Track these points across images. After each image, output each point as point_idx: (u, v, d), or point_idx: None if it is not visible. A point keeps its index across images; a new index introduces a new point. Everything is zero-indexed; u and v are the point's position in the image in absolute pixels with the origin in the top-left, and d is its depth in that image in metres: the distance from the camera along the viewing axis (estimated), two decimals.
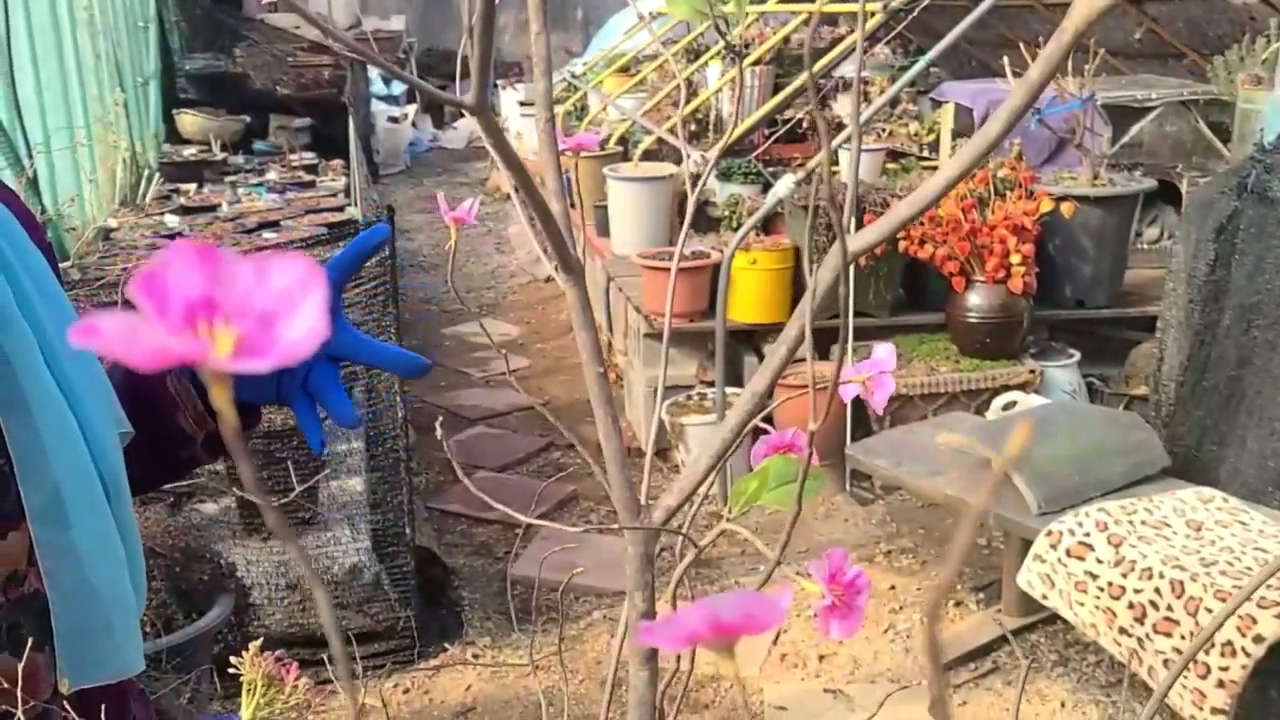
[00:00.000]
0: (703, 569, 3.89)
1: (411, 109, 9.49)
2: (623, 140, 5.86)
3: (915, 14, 2.50)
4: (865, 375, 0.90)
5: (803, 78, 5.55)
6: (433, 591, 3.84)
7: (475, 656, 3.67)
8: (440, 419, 0.87)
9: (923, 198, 0.60)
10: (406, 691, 3.49)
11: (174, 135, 6.69)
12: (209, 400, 1.17)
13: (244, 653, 1.08)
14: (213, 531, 3.52)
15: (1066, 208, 4.02)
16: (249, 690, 1.10)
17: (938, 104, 5.29)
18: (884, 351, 0.92)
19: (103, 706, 0.98)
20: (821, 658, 3.49)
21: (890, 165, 5.31)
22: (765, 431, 0.93)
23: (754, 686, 3.36)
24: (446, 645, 3.69)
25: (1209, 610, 2.72)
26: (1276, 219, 2.96)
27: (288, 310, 0.28)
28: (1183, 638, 2.75)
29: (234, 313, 0.28)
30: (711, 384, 4.38)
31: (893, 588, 3.78)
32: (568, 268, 0.75)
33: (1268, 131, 3.51)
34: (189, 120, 6.68)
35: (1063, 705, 3.19)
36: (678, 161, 5.25)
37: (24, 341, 0.96)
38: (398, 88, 9.13)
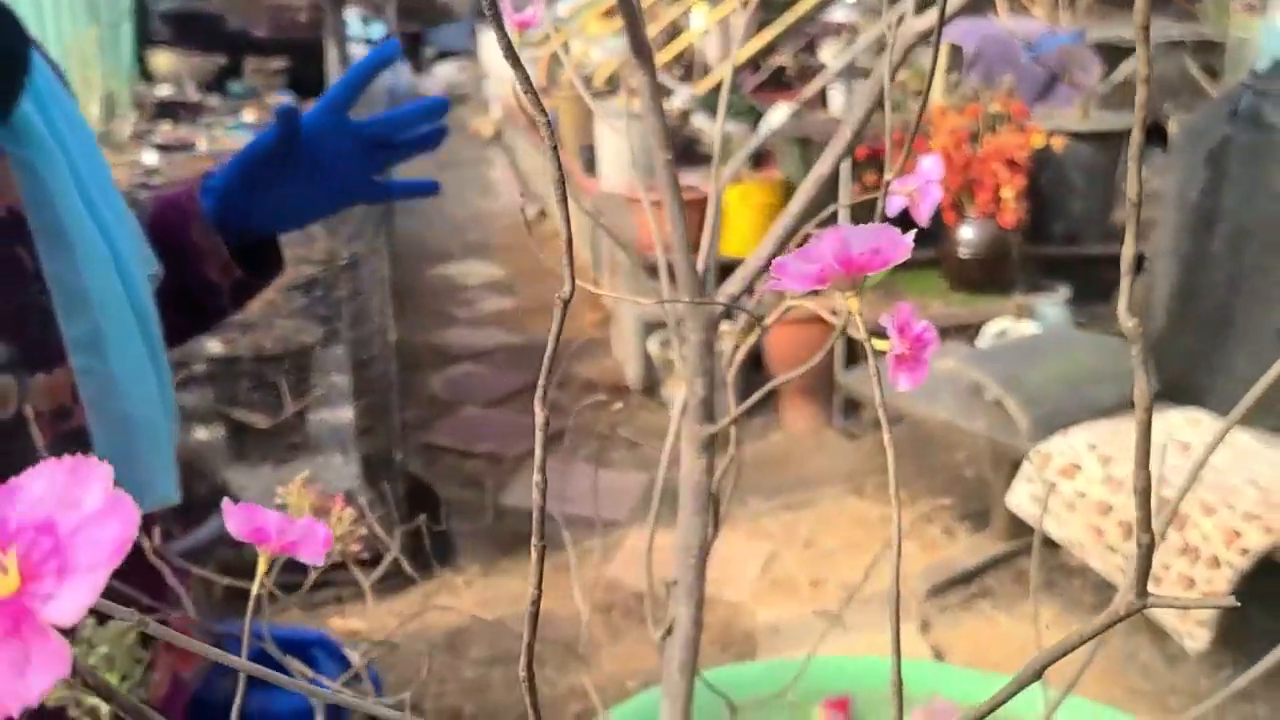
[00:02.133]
0: None
1: None
2: (609, 80, 5.84)
3: None
4: (912, 188, 0.92)
5: (783, 22, 5.54)
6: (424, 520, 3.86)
7: (466, 584, 3.69)
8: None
9: None
10: (399, 615, 3.50)
11: (147, 75, 6.62)
12: (234, 249, 1.17)
13: (291, 482, 1.09)
14: (203, 459, 3.52)
15: (1057, 142, 4.04)
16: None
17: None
18: (930, 162, 0.93)
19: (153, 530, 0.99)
20: (813, 583, 3.52)
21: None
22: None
23: (747, 610, 3.40)
24: (437, 574, 3.71)
25: (1196, 526, 2.76)
26: (1268, 144, 2.99)
27: None
28: (1169, 553, 2.79)
29: None
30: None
31: (882, 518, 3.81)
32: (639, 51, 0.75)
33: (1261, 57, 3.53)
34: (162, 60, 6.60)
35: (1048, 626, 3.23)
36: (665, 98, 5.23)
37: (59, 168, 0.96)
38: (376, 32, 9.07)
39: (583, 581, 3.62)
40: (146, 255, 1.08)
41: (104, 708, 0.68)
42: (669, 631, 0.83)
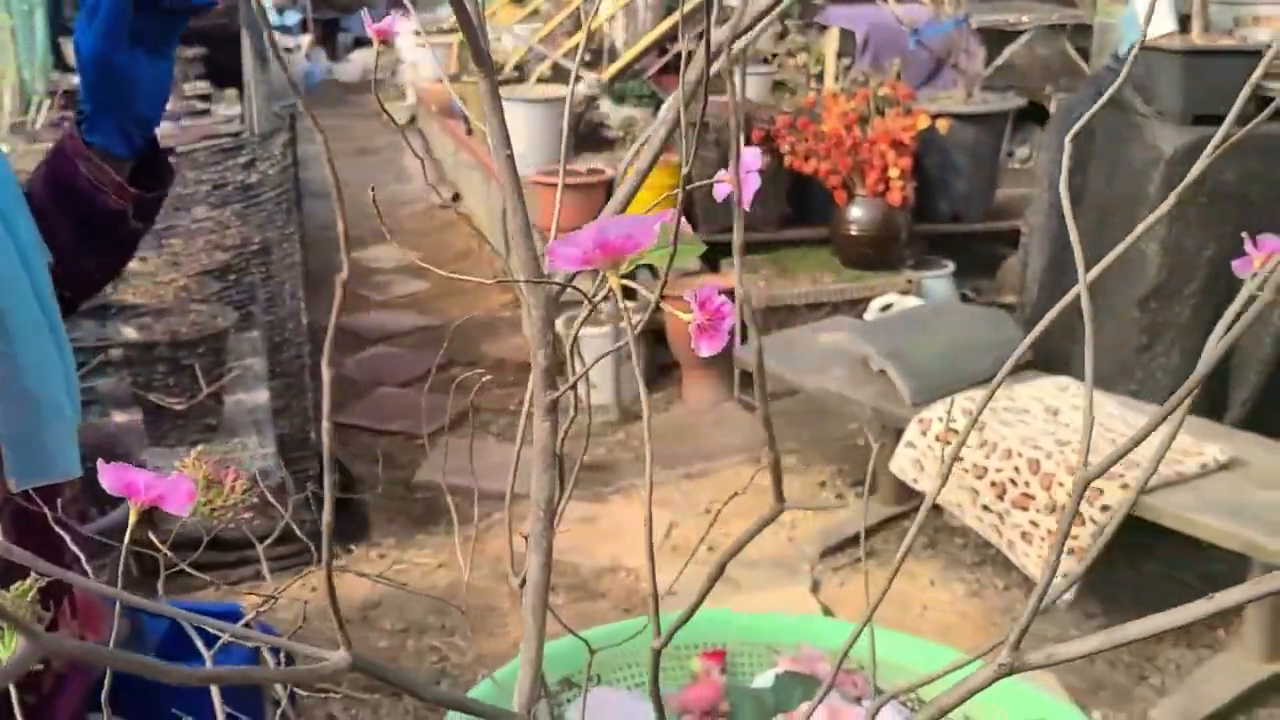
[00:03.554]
0: (599, 472, 4.07)
1: (306, 39, 9.44)
2: (519, 66, 5.95)
3: None
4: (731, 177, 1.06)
5: (686, 6, 5.68)
6: (337, 497, 3.96)
7: (381, 556, 3.80)
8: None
9: None
10: (314, 590, 3.60)
11: (62, 64, 6.59)
12: (122, 173, 1.24)
13: (189, 455, 1.21)
14: (121, 441, 3.60)
15: (942, 124, 4.23)
16: None
17: (823, 29, 5.47)
18: (750, 154, 1.08)
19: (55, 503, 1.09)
20: (712, 549, 3.68)
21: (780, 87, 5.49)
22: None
23: (646, 575, 3.55)
24: (352, 548, 3.81)
25: (1061, 484, 2.96)
26: (1128, 125, 3.19)
27: None
28: (1038, 510, 2.99)
29: None
30: (606, 298, 4.53)
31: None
32: (480, 60, 0.89)
33: (1123, 42, 3.75)
34: None
35: (932, 583, 3.42)
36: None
37: None
38: (291, 18, 9.09)
39: (487, 552, 3.76)
40: (40, 243, 1.15)
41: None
42: (525, 581, 0.95)
